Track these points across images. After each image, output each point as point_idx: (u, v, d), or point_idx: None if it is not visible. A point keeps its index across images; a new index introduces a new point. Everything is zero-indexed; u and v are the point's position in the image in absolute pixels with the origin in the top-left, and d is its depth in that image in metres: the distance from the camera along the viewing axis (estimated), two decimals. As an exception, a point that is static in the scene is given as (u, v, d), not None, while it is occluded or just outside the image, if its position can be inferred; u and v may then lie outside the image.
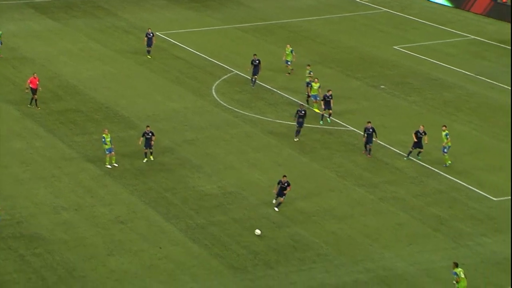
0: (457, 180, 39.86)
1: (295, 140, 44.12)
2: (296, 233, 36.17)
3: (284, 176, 37.38)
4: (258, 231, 34.42)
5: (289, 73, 53.02)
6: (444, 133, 40.73)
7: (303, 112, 44.09)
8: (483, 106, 48.32)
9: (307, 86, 48.39)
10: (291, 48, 53.00)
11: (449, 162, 40.94)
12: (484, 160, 41.65)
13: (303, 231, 36.24)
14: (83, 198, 38.33)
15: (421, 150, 41.27)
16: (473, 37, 59.87)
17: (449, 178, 40.13)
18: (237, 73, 54.14)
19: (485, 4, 64.13)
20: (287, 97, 50.40)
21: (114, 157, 41.28)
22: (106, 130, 41.40)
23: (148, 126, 42.13)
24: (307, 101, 48.21)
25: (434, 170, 40.93)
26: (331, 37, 60.94)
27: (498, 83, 51.43)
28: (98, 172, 40.75)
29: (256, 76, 50.11)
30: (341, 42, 59.49)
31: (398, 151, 42.98)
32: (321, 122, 46.07)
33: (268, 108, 48.89)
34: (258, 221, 37.05)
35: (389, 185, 39.78)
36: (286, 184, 37.25)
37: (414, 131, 41.36)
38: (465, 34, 60.53)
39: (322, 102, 46.03)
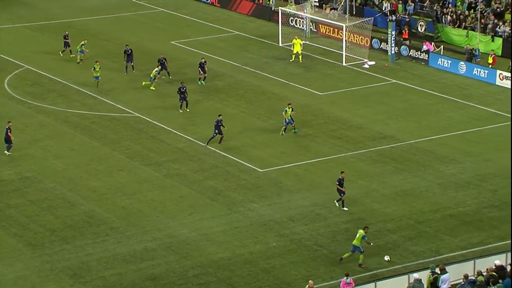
0: (230, 156, 40.36)
1: (180, 111, 44.97)
2: (90, 210, 35.34)
3: (342, 172, 35.50)
4: (387, 257, 30.86)
5: (80, 62, 52.36)
6: (290, 110, 41.89)
7: (184, 88, 44.70)
8: (249, 92, 49.18)
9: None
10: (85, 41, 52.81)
11: (296, 130, 42.44)
12: (251, 138, 42.42)
13: (97, 208, 35.48)
14: None
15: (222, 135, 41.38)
16: (237, 32, 60.84)
17: (223, 154, 40.56)
18: (28, 68, 52.44)
19: (249, 6, 65.56)
20: (77, 88, 49.27)
21: None
22: None
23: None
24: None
25: (210, 149, 41.24)
26: (115, 34, 60.03)
27: (261, 72, 52.51)
28: None
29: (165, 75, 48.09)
30: (124, 38, 58.59)
31: (179, 133, 42.98)
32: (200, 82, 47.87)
33: (60, 99, 47.64)
34: (54, 201, 35.93)
35: (172, 163, 39.70)
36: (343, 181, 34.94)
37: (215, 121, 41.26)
38: (231, 30, 61.40)
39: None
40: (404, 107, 46.75)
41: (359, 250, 31.11)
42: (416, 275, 27.67)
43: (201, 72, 49.54)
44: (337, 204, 35.35)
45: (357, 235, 31.16)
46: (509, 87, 48.96)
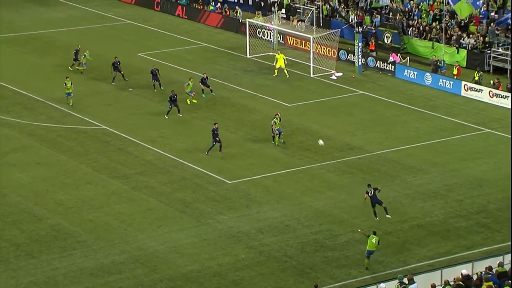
0: (198, 168, 40.21)
1: (166, 117, 45.91)
2: (56, 223, 34.97)
3: (369, 185, 35.04)
4: (321, 141, 31.78)
5: (82, 72, 52.73)
6: (278, 120, 42.41)
7: (175, 96, 45.75)
8: (217, 103, 49.06)
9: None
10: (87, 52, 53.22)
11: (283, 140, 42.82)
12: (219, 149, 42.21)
13: (63, 222, 35.13)
14: None
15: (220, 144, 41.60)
16: (205, 44, 60.80)
17: (192, 166, 40.41)
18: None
19: (217, 18, 65.56)
20: (43, 101, 48.82)
21: None
22: None
23: None
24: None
25: (179, 161, 41.06)
26: (82, 47, 59.44)
27: (229, 83, 52.46)
28: None
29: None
30: (91, 50, 58.11)
31: (147, 145, 42.76)
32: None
33: (25, 112, 47.20)
34: (20, 216, 35.51)
35: (141, 175, 39.47)
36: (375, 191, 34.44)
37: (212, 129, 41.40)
38: (199, 42, 61.33)
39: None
40: (371, 118, 46.98)
41: (369, 253, 31.34)
42: (382, 285, 27.73)
43: (203, 87, 49.19)
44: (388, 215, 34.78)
45: (373, 241, 31.21)
46: (474, 98, 49.50)
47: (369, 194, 34.86)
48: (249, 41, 57.76)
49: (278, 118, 42.72)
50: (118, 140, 43.55)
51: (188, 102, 48.05)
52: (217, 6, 67.02)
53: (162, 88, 49.34)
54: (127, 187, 38.30)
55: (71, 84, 47.94)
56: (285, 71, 53.71)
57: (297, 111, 48.02)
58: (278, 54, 54.22)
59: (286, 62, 53.78)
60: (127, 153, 42.00)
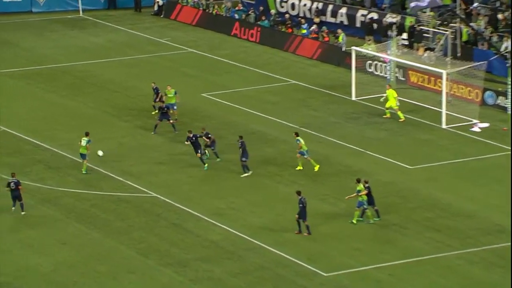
0: (282, 254, 40.06)
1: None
2: (86, 328, 35.32)
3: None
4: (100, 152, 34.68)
5: (176, 119, 53.27)
6: (362, 185, 42.71)
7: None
8: (310, 163, 48.87)
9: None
10: (174, 90, 53.66)
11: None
12: (313, 228, 42.01)
13: (95, 326, 35.48)
14: None
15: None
16: (295, 81, 61.11)
17: (272, 251, 40.34)
18: (6, 131, 53.30)
19: (313, 46, 65.69)
20: (72, 158, 49.63)
21: None
22: None
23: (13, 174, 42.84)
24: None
25: (255, 242, 40.93)
26: (126, 84, 60.73)
27: (326, 136, 52.43)
28: None
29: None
30: (138, 89, 59.25)
31: (211, 220, 42.93)
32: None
33: (48, 172, 48.09)
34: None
35: (202, 262, 39.60)
36: None
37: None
38: (285, 78, 61.71)
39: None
40: (531, 187, 46.22)
41: None
42: None
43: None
44: None
45: None
46: None
47: None
48: (355, 77, 57.82)
49: (362, 184, 42.30)
50: (172, 213, 43.87)
51: (316, 169, 47.97)
52: (311, 29, 67.38)
53: (219, 158, 49.15)
54: (183, 278, 38.41)
55: (88, 142, 47.55)
56: (399, 112, 53.63)
57: (423, 176, 47.68)
58: (388, 89, 54.26)
59: (398, 102, 53.84)
60: (184, 230, 42.23)
